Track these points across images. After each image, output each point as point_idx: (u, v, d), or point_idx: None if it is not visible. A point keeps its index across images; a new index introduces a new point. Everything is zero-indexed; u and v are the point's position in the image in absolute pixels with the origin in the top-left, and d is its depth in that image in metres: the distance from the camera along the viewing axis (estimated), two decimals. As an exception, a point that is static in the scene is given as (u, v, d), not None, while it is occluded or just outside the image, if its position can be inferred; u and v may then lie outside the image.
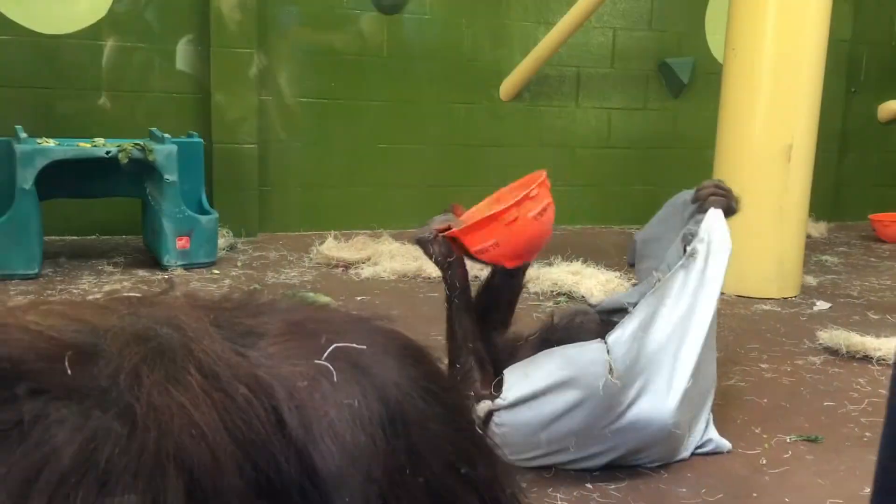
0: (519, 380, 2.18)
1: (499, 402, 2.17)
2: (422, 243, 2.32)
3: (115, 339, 0.74)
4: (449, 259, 2.27)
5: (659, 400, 2.18)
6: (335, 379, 0.85)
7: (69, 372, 0.68)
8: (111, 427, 0.66)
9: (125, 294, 1.02)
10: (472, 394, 2.19)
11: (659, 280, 2.34)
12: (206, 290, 3.98)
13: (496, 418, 2.19)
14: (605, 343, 2.13)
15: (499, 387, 2.19)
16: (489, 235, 2.23)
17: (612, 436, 2.17)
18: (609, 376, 2.08)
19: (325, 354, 0.85)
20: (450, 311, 2.34)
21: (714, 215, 2.46)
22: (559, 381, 2.13)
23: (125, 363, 0.70)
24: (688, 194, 2.61)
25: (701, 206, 2.51)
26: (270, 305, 1.00)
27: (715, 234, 2.41)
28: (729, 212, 2.50)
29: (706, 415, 2.44)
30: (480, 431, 1.00)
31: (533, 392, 2.15)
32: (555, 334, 2.40)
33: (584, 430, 2.14)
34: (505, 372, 2.22)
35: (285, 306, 0.98)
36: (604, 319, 2.45)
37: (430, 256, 2.31)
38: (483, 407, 2.16)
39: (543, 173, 2.33)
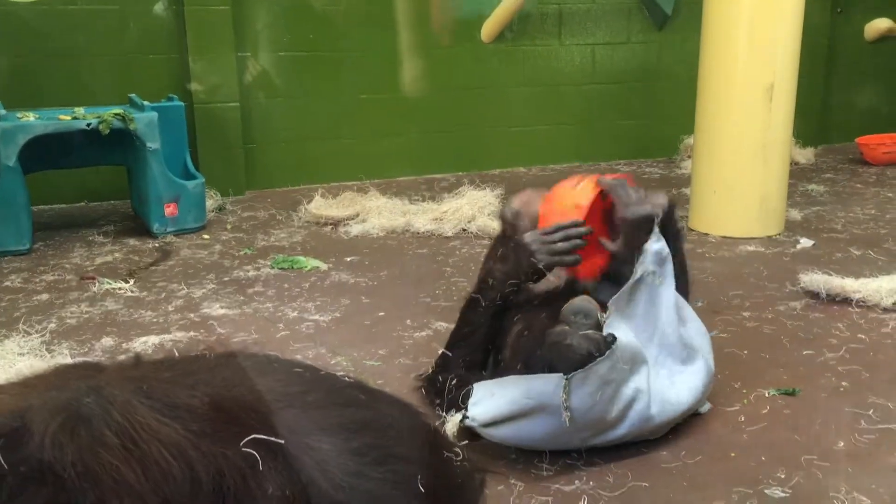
0: (485, 397, 2.15)
1: (468, 421, 2.14)
2: (535, 247, 2.31)
3: (36, 415, 0.80)
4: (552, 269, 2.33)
5: (649, 405, 2.21)
6: (260, 467, 0.91)
7: (4, 465, 0.75)
8: (57, 500, 0.73)
9: (65, 364, 1.08)
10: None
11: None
12: (196, 257, 4.03)
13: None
14: (567, 381, 2.03)
15: (466, 398, 2.17)
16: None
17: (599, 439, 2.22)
18: (565, 414, 2.03)
19: (243, 443, 0.91)
20: (477, 310, 2.38)
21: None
22: (525, 409, 2.09)
23: (46, 439, 0.77)
24: None
25: None
26: (208, 375, 1.04)
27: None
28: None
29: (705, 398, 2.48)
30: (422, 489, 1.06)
31: (500, 416, 2.11)
32: (543, 347, 2.21)
33: (564, 444, 2.20)
34: (474, 385, 2.20)
35: (221, 380, 1.03)
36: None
37: (532, 262, 2.30)
38: (452, 425, 2.16)
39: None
